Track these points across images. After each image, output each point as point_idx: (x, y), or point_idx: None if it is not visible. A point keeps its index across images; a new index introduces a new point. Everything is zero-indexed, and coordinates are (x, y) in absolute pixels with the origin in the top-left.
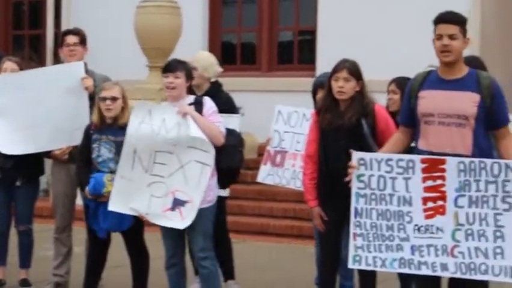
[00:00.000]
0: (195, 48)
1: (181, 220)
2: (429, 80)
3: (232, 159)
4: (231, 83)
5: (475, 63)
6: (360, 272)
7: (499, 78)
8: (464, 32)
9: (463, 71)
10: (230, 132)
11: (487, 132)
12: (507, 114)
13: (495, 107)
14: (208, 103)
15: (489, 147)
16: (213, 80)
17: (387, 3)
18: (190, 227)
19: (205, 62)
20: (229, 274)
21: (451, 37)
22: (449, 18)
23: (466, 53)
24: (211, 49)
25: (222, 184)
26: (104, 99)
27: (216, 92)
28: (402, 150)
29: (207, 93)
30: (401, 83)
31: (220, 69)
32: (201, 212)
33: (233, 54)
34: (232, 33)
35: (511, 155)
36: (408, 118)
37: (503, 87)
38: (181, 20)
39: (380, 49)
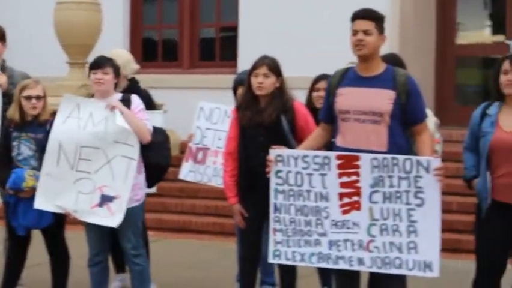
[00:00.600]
0: (115, 44)
1: (111, 216)
2: (347, 77)
3: (160, 157)
4: (152, 80)
5: (393, 60)
6: (281, 267)
7: (418, 76)
8: (380, 28)
9: (380, 68)
10: (157, 130)
11: (404, 129)
12: (424, 111)
13: (411, 103)
14: (136, 100)
15: (407, 144)
16: (129, 77)
17: (311, 0)
18: (121, 226)
19: (122, 60)
20: None
21: (366, 32)
22: (364, 15)
23: (386, 50)
24: (132, 46)
25: (151, 182)
26: (29, 98)
27: (134, 89)
28: (322, 146)
29: (125, 91)
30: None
31: (137, 66)
32: (131, 211)
33: (154, 51)
34: (154, 30)
35: (425, 150)
36: (328, 115)
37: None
38: (102, 16)
39: (300, 46)
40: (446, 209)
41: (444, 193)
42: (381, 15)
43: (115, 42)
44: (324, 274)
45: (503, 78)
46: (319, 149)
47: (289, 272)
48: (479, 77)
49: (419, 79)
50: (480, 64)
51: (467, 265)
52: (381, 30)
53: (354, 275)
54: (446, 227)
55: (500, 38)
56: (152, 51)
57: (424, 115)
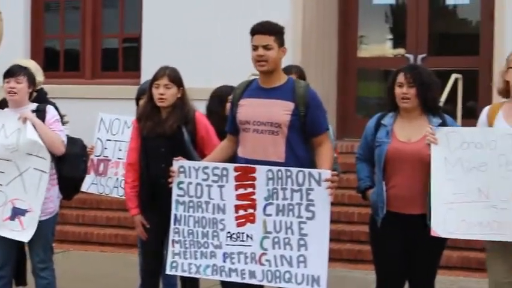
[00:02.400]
0: (16, 54)
1: (23, 231)
2: (250, 89)
3: (75, 169)
4: (54, 90)
5: (294, 71)
6: (182, 279)
7: (320, 88)
8: (280, 41)
9: (282, 79)
10: (73, 141)
11: (305, 140)
12: (324, 123)
13: (310, 115)
14: (51, 111)
15: (307, 155)
16: (37, 87)
17: (212, 11)
18: (31, 238)
19: (33, 70)
20: None
21: (266, 47)
22: (264, 29)
23: (288, 63)
24: (34, 55)
25: (66, 194)
26: None
27: (43, 100)
28: (227, 157)
29: (33, 101)
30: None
31: (43, 78)
32: (42, 224)
33: (56, 60)
34: (56, 40)
35: (323, 163)
36: (233, 126)
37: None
38: (2, 25)
39: (203, 57)
40: (347, 220)
41: (345, 204)
42: (281, 28)
43: (16, 51)
44: (227, 286)
45: (398, 91)
46: (226, 160)
47: (191, 284)
48: (380, 89)
49: (321, 91)
50: (381, 77)
51: (369, 275)
52: (281, 43)
53: None
54: (348, 238)
55: (400, 51)
56: (54, 60)
57: (324, 127)
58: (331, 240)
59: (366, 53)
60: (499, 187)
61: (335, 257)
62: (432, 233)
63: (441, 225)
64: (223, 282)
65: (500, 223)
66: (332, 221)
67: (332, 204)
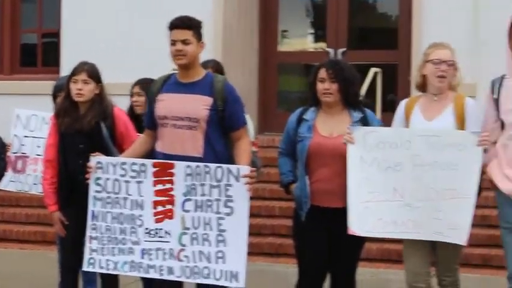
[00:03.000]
0: None
1: None
2: (168, 84)
3: None
4: None
5: (211, 66)
6: (102, 276)
7: (241, 81)
8: (198, 36)
9: (200, 74)
10: None
11: (223, 135)
12: (242, 117)
13: (228, 110)
14: None
15: (225, 150)
16: None
17: (132, 6)
18: None
19: None
20: None
21: (184, 42)
22: (182, 24)
23: (209, 56)
24: None
25: None
26: None
27: None
28: (146, 152)
29: None
30: (143, 85)
31: None
32: None
33: None
34: None
35: (241, 158)
36: (151, 121)
37: (245, 91)
38: None
39: (122, 53)
40: (268, 214)
41: (266, 198)
42: (199, 22)
43: None
44: (148, 282)
45: (320, 86)
46: (144, 155)
47: (110, 280)
48: (301, 83)
49: (242, 86)
50: (302, 71)
51: (290, 269)
52: (199, 37)
53: (176, 285)
54: (269, 232)
55: (321, 45)
56: None
57: (242, 121)
58: (252, 234)
59: (287, 47)
60: (413, 186)
61: (256, 251)
62: (350, 232)
63: (357, 224)
64: (143, 278)
65: (415, 222)
66: (253, 215)
67: (253, 198)
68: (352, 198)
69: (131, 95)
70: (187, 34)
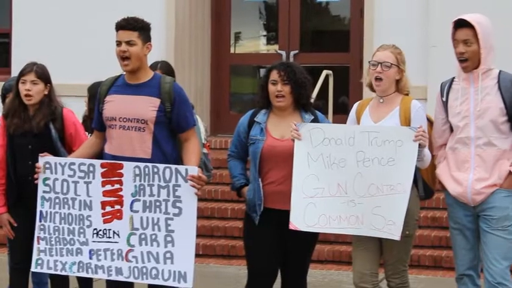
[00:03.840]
0: None
1: None
2: (116, 85)
3: None
4: None
5: (160, 67)
6: (51, 277)
7: (193, 83)
8: (144, 37)
9: (148, 75)
10: None
11: (172, 136)
12: (190, 118)
13: (176, 111)
14: None
15: (174, 151)
16: None
17: (84, 6)
18: None
19: None
20: None
21: (129, 43)
22: (127, 25)
23: (161, 58)
24: None
25: None
26: None
27: None
28: (94, 154)
29: None
30: (90, 88)
31: None
32: None
33: None
34: None
35: (189, 158)
36: (99, 122)
37: (197, 93)
38: None
39: (75, 54)
40: (221, 216)
41: (219, 200)
42: (146, 24)
43: None
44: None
45: (272, 89)
46: (93, 156)
47: (60, 281)
48: (253, 85)
49: (195, 87)
50: (254, 73)
51: (242, 271)
52: (145, 39)
53: (127, 285)
54: (221, 234)
55: (273, 47)
56: None
57: (191, 122)
58: (205, 236)
59: (239, 49)
60: (356, 183)
61: (208, 253)
62: (291, 226)
63: (300, 219)
64: (107, 280)
65: (357, 217)
66: (206, 217)
67: (206, 200)
68: (296, 194)
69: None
70: (132, 35)
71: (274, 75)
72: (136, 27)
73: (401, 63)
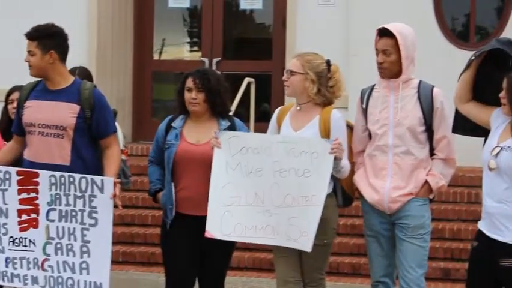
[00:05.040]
0: None
1: None
2: (37, 90)
3: None
4: None
5: (78, 73)
6: None
7: (116, 89)
8: (43, 46)
9: (67, 81)
10: None
11: (92, 143)
12: (111, 125)
13: (96, 117)
14: None
15: (93, 158)
16: None
17: (6, 12)
18: None
19: None
20: None
21: (30, 53)
22: (28, 35)
23: (83, 63)
24: None
25: None
26: None
27: None
28: (13, 159)
29: None
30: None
31: None
32: None
33: None
34: None
35: (109, 165)
36: (19, 127)
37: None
38: None
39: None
40: (141, 223)
41: (140, 207)
42: (47, 32)
43: None
44: None
45: (187, 96)
46: (12, 162)
47: None
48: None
49: (117, 94)
50: (177, 80)
51: (161, 278)
52: (46, 47)
53: None
54: (142, 240)
55: (196, 54)
56: None
57: (111, 129)
58: (125, 243)
59: (162, 56)
60: (273, 192)
61: (128, 260)
62: (207, 234)
63: (217, 227)
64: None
65: (273, 227)
66: (126, 224)
67: (126, 206)
68: (213, 202)
69: (9, 102)
70: (32, 45)
71: (189, 82)
72: (33, 36)
73: (309, 71)
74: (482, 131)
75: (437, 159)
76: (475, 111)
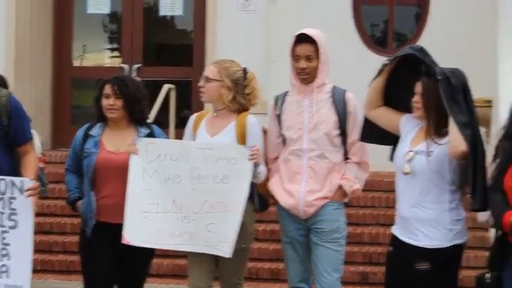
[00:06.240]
0: None
1: None
2: None
3: None
4: None
5: None
6: None
7: (34, 96)
8: None
9: None
10: None
11: (8, 150)
12: (27, 132)
13: (13, 124)
14: None
15: (11, 165)
16: None
17: None
18: None
19: None
20: None
21: None
22: None
23: (1, 71)
24: None
25: None
26: None
27: None
28: None
29: None
30: None
31: None
32: None
33: None
34: None
35: (27, 172)
36: None
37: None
38: None
39: None
40: (60, 231)
41: (58, 215)
42: None
43: None
44: None
45: (105, 102)
46: None
47: None
48: None
49: (35, 101)
50: (97, 86)
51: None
52: None
53: None
54: (60, 249)
55: (116, 61)
56: None
57: (28, 136)
58: (43, 251)
59: (82, 62)
60: (190, 199)
61: (47, 268)
62: (124, 241)
63: (134, 233)
64: None
65: (191, 234)
66: (44, 232)
67: (44, 214)
68: (130, 208)
69: None
70: None
71: (107, 89)
72: None
73: (225, 78)
74: (391, 139)
75: (351, 163)
76: (385, 117)
